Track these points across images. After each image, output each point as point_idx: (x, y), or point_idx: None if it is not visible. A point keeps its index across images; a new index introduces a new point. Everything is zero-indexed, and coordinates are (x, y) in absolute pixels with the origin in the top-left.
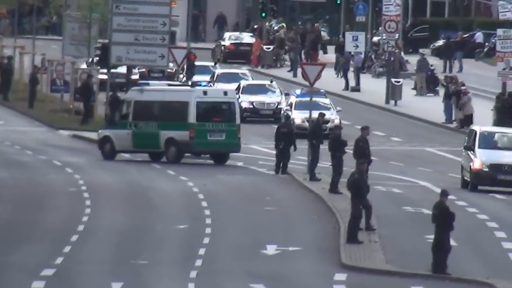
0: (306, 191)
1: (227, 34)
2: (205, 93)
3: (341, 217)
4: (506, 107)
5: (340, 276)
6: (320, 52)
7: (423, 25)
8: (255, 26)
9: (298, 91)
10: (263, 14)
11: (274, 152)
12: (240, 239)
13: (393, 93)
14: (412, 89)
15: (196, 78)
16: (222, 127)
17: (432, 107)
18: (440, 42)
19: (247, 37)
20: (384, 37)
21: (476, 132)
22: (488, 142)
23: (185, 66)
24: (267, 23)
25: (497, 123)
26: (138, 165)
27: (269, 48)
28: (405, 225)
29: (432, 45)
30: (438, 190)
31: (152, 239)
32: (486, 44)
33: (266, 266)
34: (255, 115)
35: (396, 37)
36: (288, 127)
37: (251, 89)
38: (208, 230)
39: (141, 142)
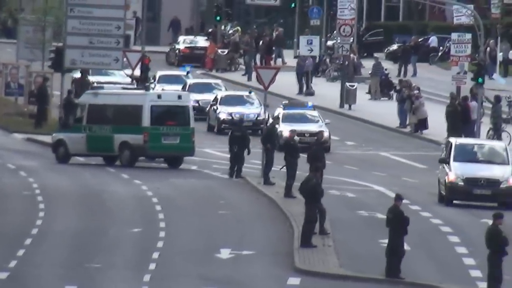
0: (260, 195)
1: (181, 38)
2: (159, 96)
3: (295, 221)
4: (459, 112)
5: (294, 280)
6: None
7: (377, 29)
8: (210, 30)
9: (284, 103)
10: (218, 18)
11: (228, 155)
12: (194, 243)
13: (348, 97)
14: (367, 93)
15: (167, 88)
16: (176, 131)
17: (386, 111)
18: (395, 46)
19: (201, 41)
20: (338, 41)
21: (452, 144)
22: (464, 154)
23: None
24: (222, 27)
25: (450, 128)
26: (92, 169)
27: (223, 52)
28: (359, 229)
29: (386, 49)
30: (392, 195)
31: (105, 243)
32: (441, 48)
33: (219, 270)
34: (233, 126)
35: (351, 41)
36: (242, 131)
37: (229, 100)
38: (162, 234)
39: (95, 146)
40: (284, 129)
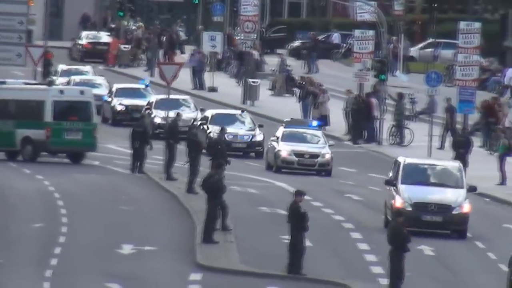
0: (162, 190)
1: (84, 33)
2: (61, 92)
3: (197, 217)
4: (362, 109)
5: (196, 276)
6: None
7: (280, 26)
8: (113, 26)
9: (286, 121)
10: (121, 14)
11: (130, 151)
12: (96, 238)
13: (250, 93)
14: (269, 89)
15: (125, 102)
16: (78, 126)
17: (289, 107)
18: (297, 43)
19: (104, 36)
20: (241, 37)
21: (400, 164)
22: (413, 176)
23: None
24: (125, 23)
25: (352, 124)
26: None
27: (126, 48)
28: (261, 226)
29: (289, 45)
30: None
31: (6, 238)
32: (343, 45)
33: (121, 266)
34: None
35: (254, 37)
36: (143, 127)
37: (221, 119)
38: (64, 229)
39: None
40: (283, 148)
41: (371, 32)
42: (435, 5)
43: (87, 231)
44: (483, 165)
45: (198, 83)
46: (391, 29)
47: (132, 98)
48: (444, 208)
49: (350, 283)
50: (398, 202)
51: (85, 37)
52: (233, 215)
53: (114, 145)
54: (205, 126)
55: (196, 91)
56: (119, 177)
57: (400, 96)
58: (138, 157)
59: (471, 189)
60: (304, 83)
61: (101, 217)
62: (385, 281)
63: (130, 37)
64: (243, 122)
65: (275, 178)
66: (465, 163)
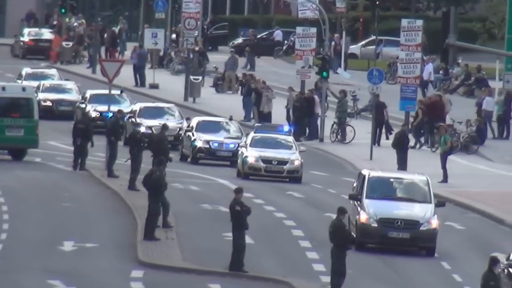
0: (104, 187)
1: (26, 30)
2: (3, 88)
3: (138, 214)
4: (305, 106)
5: (137, 273)
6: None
7: (222, 23)
8: (55, 22)
9: (257, 125)
10: (63, 10)
11: (72, 148)
12: (37, 235)
13: (192, 90)
14: (211, 86)
15: (100, 108)
16: (20, 123)
17: (231, 104)
18: (239, 40)
19: (46, 33)
20: (183, 34)
21: (364, 177)
22: (378, 190)
23: None
24: (67, 19)
25: (294, 121)
26: None
27: (68, 45)
28: (202, 223)
29: (231, 42)
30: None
31: None
32: (285, 42)
33: (63, 262)
34: (211, 156)
35: (196, 34)
36: (85, 123)
37: (206, 127)
38: (5, 226)
39: None
40: (251, 155)
41: (313, 29)
42: (378, 2)
43: (28, 228)
44: (425, 162)
45: (140, 80)
46: (334, 27)
47: (107, 104)
48: (411, 224)
49: (291, 280)
50: (362, 218)
51: (27, 34)
52: (174, 212)
53: (56, 141)
54: (133, 120)
55: (137, 88)
56: (61, 174)
57: (343, 93)
58: (80, 154)
59: (440, 204)
60: (245, 80)
61: (43, 214)
62: (327, 279)
63: (72, 34)
64: (228, 130)
65: (218, 176)
66: (405, 161)
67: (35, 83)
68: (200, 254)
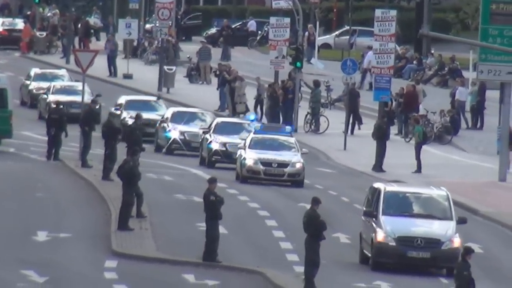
0: (78, 177)
1: (0, 20)
2: None
3: (112, 204)
4: (278, 96)
5: (111, 263)
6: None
7: (196, 13)
8: (28, 12)
9: (256, 126)
10: (36, 0)
11: (46, 138)
12: (10, 226)
13: (166, 80)
14: (184, 77)
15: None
16: None
17: (205, 94)
18: (213, 30)
19: (20, 23)
20: (157, 25)
21: (380, 192)
22: (396, 206)
23: None
24: (40, 9)
25: (268, 110)
26: None
27: (42, 35)
28: (176, 213)
29: (205, 33)
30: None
31: None
32: (259, 32)
33: (36, 253)
34: (227, 159)
35: (169, 24)
36: (59, 113)
37: (224, 128)
38: None
39: None
40: (249, 157)
41: (286, 20)
42: None
43: (1, 218)
44: (399, 152)
45: (113, 70)
46: (307, 17)
47: (144, 111)
48: (432, 243)
49: (265, 271)
50: (380, 236)
51: (1, 24)
52: (148, 202)
53: (30, 132)
54: (118, 112)
55: (111, 78)
56: (35, 164)
57: (316, 84)
58: (54, 144)
59: (461, 221)
60: (221, 71)
61: (16, 204)
62: (300, 269)
63: (46, 24)
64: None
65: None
66: (383, 153)
67: (44, 84)
68: (174, 244)
